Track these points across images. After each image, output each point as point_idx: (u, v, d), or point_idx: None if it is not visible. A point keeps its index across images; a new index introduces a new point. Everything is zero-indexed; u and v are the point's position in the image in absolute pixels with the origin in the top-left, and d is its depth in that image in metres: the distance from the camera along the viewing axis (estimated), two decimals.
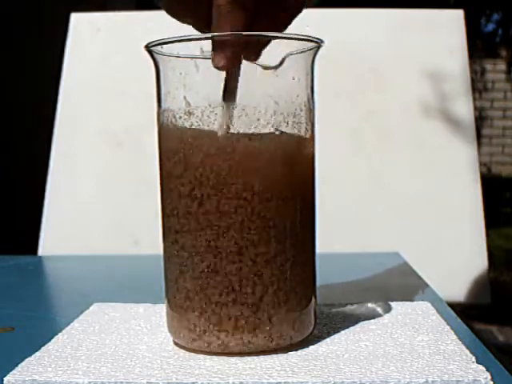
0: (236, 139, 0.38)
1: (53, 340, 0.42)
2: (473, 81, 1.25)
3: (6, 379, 0.36)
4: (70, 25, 1.16)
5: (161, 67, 0.40)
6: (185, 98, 0.39)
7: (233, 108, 0.38)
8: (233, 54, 0.38)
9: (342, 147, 1.08)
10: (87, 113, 1.13)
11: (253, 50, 0.39)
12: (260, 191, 0.38)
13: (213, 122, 0.38)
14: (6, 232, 1.75)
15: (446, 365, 0.36)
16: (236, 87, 0.39)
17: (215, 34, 0.39)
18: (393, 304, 0.49)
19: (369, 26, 1.16)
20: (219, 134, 0.38)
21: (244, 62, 0.39)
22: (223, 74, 0.39)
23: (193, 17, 0.41)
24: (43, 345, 0.41)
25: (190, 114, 0.39)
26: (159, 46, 0.39)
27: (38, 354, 0.40)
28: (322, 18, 1.15)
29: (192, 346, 0.39)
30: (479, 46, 4.14)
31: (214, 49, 0.38)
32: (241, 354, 0.38)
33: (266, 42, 0.39)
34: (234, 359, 0.38)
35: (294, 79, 0.40)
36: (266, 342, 0.38)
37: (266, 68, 0.38)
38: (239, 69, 0.39)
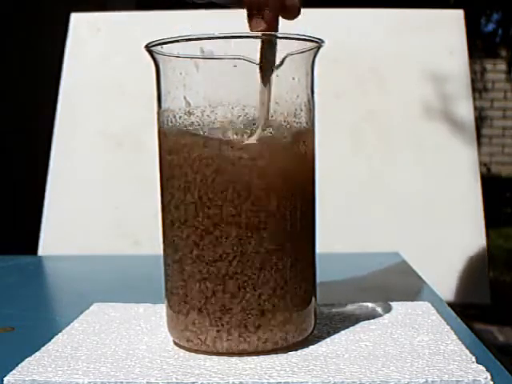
0: (236, 140, 0.38)
1: (53, 340, 0.42)
2: (473, 81, 1.25)
3: (6, 379, 0.36)
4: (70, 25, 1.16)
5: (161, 67, 0.40)
6: (185, 98, 0.39)
7: (270, 89, 0.37)
8: (273, 17, 0.36)
9: (341, 147, 1.08)
10: (87, 113, 1.13)
11: (293, 8, 0.37)
12: (260, 191, 0.38)
13: (213, 121, 0.38)
14: (6, 232, 1.75)
15: (445, 365, 0.36)
16: (275, 60, 0.37)
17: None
18: (393, 304, 0.49)
19: (369, 26, 1.15)
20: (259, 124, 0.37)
21: (244, 61, 0.38)
22: (223, 73, 0.38)
23: None
24: (43, 345, 0.41)
25: (190, 113, 0.39)
26: (159, 46, 0.39)
27: (37, 354, 0.40)
28: (322, 18, 1.15)
29: (192, 346, 0.39)
30: (479, 46, 4.13)
31: (249, 12, 0.36)
32: (241, 353, 0.38)
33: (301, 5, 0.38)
34: (234, 359, 0.38)
35: (293, 79, 0.40)
36: (265, 342, 0.38)
37: None
38: (277, 38, 0.37)
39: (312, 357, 0.38)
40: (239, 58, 0.38)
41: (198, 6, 0.42)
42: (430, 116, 1.09)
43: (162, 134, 0.41)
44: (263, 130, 0.38)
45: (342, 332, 0.43)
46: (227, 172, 0.38)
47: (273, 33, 0.39)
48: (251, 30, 0.37)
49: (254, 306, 0.38)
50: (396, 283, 0.63)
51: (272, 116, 0.39)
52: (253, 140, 0.38)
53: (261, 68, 0.38)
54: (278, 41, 0.39)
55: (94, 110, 1.14)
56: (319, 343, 0.41)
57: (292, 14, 0.38)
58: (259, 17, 0.36)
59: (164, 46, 0.39)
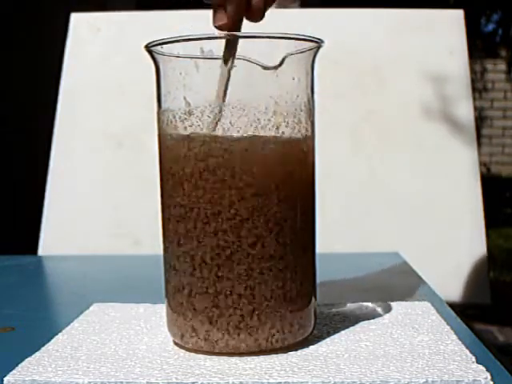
0: (235, 140, 0.38)
1: (53, 340, 0.42)
2: (473, 81, 1.26)
3: (6, 379, 0.36)
4: (70, 25, 1.16)
5: (161, 67, 0.40)
6: (185, 98, 0.39)
7: (228, 81, 0.37)
8: (236, 13, 0.37)
9: (341, 147, 1.08)
10: (87, 113, 1.13)
11: (257, 9, 0.38)
12: (260, 192, 0.38)
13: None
14: (6, 232, 1.75)
15: (446, 365, 0.36)
16: (234, 54, 0.38)
17: None
18: (393, 304, 0.49)
19: (369, 26, 1.16)
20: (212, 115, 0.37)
21: (244, 61, 0.38)
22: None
23: None
24: (43, 345, 0.41)
25: (189, 113, 0.39)
26: (159, 46, 0.39)
27: (38, 354, 0.40)
28: (322, 18, 1.15)
29: (192, 345, 0.39)
30: (479, 46, 4.13)
31: (214, 6, 0.37)
32: (241, 354, 0.38)
33: (266, 8, 0.38)
34: (233, 359, 0.38)
35: (293, 79, 0.40)
36: (266, 342, 0.38)
37: (265, 68, 0.38)
38: (239, 32, 0.38)
39: (312, 357, 0.38)
40: (239, 58, 0.38)
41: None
42: (430, 116, 1.09)
43: (161, 134, 0.41)
44: (216, 122, 0.38)
45: (342, 332, 0.43)
46: (227, 174, 0.38)
47: (278, 34, 0.39)
48: (213, 23, 0.38)
49: (254, 306, 0.38)
50: (396, 283, 0.63)
51: (272, 116, 0.39)
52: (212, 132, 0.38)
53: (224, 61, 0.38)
54: (278, 41, 0.39)
55: (94, 110, 1.14)
56: (319, 343, 0.41)
57: (255, 16, 0.38)
58: (222, 12, 0.37)
59: (164, 46, 0.39)
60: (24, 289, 0.64)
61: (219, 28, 0.38)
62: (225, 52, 0.38)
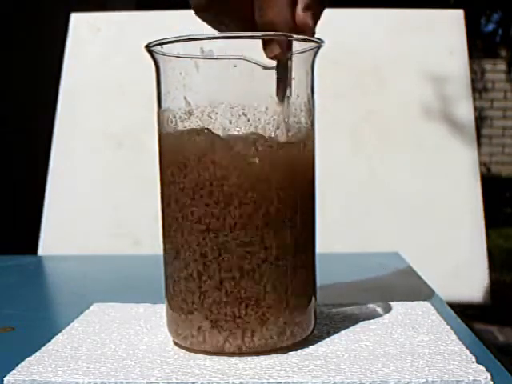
0: (235, 140, 0.38)
1: (53, 340, 0.42)
2: (473, 81, 1.26)
3: (6, 379, 0.36)
4: (70, 25, 1.16)
5: (161, 67, 0.40)
6: (185, 98, 0.39)
7: (288, 104, 0.38)
8: (285, 41, 0.38)
9: (341, 147, 1.08)
10: (87, 113, 1.13)
11: (306, 28, 0.39)
12: (259, 192, 0.38)
13: (213, 122, 0.38)
14: (6, 232, 1.75)
15: (446, 365, 0.36)
16: (291, 78, 0.39)
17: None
18: (393, 304, 0.49)
19: (369, 26, 1.16)
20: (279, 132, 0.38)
21: (244, 61, 0.38)
22: (223, 73, 0.38)
23: (234, 13, 0.41)
24: (43, 345, 0.41)
25: (189, 114, 0.39)
26: (159, 46, 0.39)
27: (38, 354, 0.40)
28: (322, 18, 1.15)
29: (192, 346, 0.39)
30: (479, 46, 4.13)
31: (264, 39, 0.38)
32: (241, 354, 0.38)
33: (316, 22, 0.40)
34: (233, 359, 0.38)
35: (293, 79, 0.40)
36: (265, 342, 0.38)
37: (266, 68, 0.38)
38: (291, 57, 0.39)
39: (312, 357, 0.38)
40: (239, 58, 0.38)
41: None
42: (430, 116, 1.09)
43: (161, 134, 0.41)
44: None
45: (342, 332, 0.43)
46: (226, 174, 0.38)
47: (278, 34, 0.39)
48: (267, 55, 0.39)
49: (254, 306, 0.38)
50: (396, 283, 0.63)
51: (272, 116, 0.39)
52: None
53: (277, 85, 0.39)
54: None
55: (94, 110, 1.14)
56: (319, 343, 0.41)
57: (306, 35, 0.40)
58: (273, 42, 0.38)
59: (164, 46, 0.39)
60: (24, 289, 0.64)
61: (274, 58, 0.39)
62: (277, 80, 0.39)
